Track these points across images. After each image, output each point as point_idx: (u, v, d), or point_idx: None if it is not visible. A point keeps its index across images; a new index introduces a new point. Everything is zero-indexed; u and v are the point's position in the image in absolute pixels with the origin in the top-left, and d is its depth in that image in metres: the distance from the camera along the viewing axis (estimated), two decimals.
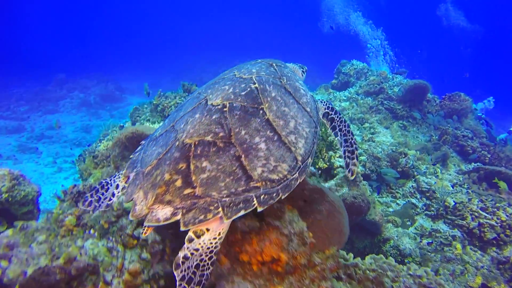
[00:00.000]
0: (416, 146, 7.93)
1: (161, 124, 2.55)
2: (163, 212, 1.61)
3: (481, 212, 5.81)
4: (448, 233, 5.64)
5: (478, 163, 7.81)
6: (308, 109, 2.27)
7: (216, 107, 1.94)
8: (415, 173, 6.92)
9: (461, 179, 7.03)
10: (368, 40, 17.35)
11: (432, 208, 6.22)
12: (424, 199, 6.49)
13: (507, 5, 41.06)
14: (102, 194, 2.17)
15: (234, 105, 1.95)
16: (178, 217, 1.59)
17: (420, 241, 5.62)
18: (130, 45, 38.42)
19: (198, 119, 1.90)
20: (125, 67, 30.76)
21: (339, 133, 2.66)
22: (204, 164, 1.70)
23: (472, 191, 6.51)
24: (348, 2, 20.82)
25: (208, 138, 1.78)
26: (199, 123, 1.86)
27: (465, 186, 6.75)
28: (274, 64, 2.53)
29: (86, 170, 4.29)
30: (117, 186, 2.15)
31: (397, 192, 6.67)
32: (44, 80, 23.12)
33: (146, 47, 37.84)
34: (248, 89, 2.08)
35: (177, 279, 1.58)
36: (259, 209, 1.69)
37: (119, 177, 2.17)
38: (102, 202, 2.13)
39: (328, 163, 5.78)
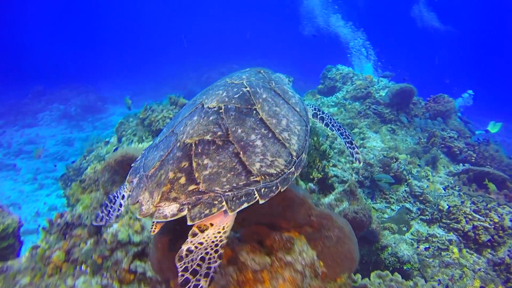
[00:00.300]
0: (406, 150, 8.01)
1: (151, 141, 2.52)
2: (169, 209, 1.66)
3: (474, 214, 5.89)
4: (444, 238, 5.68)
5: (465, 164, 7.97)
6: (298, 109, 2.41)
7: (213, 109, 2.07)
8: (408, 177, 6.97)
9: (452, 181, 7.13)
10: (350, 40, 17.57)
11: (427, 212, 6.26)
12: (418, 203, 6.53)
13: (477, 7, 43.06)
14: (111, 207, 2.24)
15: (229, 106, 2.09)
16: (185, 212, 1.63)
17: (418, 247, 5.63)
18: (110, 52, 37.54)
19: (197, 121, 2.02)
20: (106, 74, 29.92)
21: (333, 128, 2.88)
22: (206, 161, 1.79)
23: (463, 193, 6.61)
24: (327, 4, 21.04)
25: (208, 137, 1.88)
26: (197, 124, 1.98)
27: (456, 188, 6.84)
28: (262, 71, 2.73)
29: (73, 195, 4.02)
30: (123, 197, 2.21)
31: (391, 198, 6.68)
32: (20, 93, 22.10)
33: (127, 53, 37.07)
34: (241, 92, 2.22)
35: (180, 270, 1.57)
36: (261, 202, 1.74)
37: (125, 188, 2.21)
38: (112, 214, 2.21)
39: (322, 173, 5.72)
